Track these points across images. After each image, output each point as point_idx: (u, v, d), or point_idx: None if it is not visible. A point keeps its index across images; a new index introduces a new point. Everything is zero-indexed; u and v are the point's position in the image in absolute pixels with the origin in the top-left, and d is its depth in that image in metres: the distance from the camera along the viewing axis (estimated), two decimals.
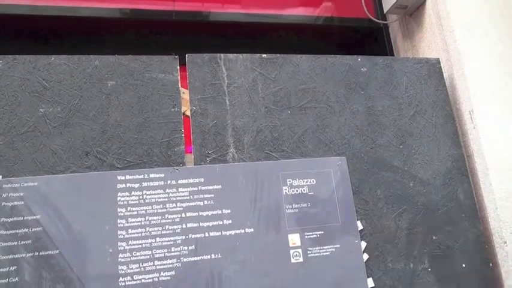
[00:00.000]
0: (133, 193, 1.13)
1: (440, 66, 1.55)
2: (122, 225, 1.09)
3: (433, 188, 1.37)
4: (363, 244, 1.24)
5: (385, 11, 1.87)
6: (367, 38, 2.06)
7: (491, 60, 1.56)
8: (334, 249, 1.19)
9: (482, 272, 1.32)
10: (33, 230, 1.05)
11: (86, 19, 1.73)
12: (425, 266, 1.28)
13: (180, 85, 1.29)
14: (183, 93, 1.30)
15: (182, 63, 1.32)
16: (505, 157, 1.45)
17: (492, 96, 1.51)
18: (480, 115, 1.47)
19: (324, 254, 1.18)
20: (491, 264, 1.34)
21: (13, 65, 1.19)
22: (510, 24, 1.63)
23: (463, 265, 1.31)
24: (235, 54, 1.36)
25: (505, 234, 1.36)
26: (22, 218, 1.05)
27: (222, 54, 1.35)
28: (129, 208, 1.11)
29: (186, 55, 1.32)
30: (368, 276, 1.20)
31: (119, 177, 1.14)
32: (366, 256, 1.23)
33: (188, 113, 1.28)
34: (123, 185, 1.13)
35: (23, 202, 1.06)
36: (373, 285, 1.20)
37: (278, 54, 1.40)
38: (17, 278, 1.00)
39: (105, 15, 1.76)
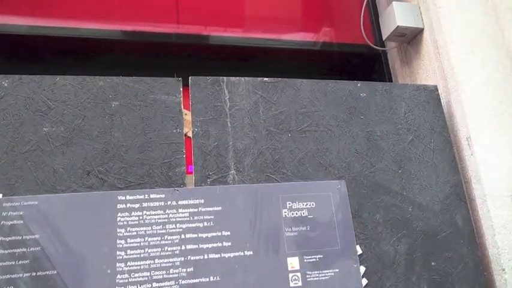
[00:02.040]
0: (133, 213, 1.13)
1: (438, 93, 1.58)
2: (121, 245, 1.09)
3: (432, 213, 1.38)
4: (362, 269, 1.23)
5: (383, 38, 1.91)
6: (366, 64, 2.10)
7: (488, 88, 1.59)
8: (333, 274, 1.19)
9: None
10: (31, 249, 1.04)
11: (88, 40, 1.76)
12: None
13: (182, 107, 1.30)
14: (185, 114, 1.32)
15: (185, 85, 1.34)
16: (502, 184, 1.46)
17: (489, 124, 1.53)
18: (477, 142, 1.50)
19: (323, 278, 1.18)
20: None
21: (18, 84, 1.20)
22: (506, 54, 1.67)
23: None
24: (237, 78, 1.39)
25: (504, 262, 1.36)
26: (21, 238, 1.05)
27: (224, 77, 1.37)
28: (128, 229, 1.11)
29: (190, 77, 1.35)
30: None
31: (119, 197, 1.14)
32: (364, 281, 1.22)
33: (190, 134, 1.29)
34: (124, 205, 1.13)
35: (22, 221, 1.06)
36: None
37: (279, 78, 1.43)
38: None
39: (107, 36, 1.78)
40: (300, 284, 1.16)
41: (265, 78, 1.42)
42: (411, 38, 1.85)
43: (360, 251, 1.25)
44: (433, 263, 1.31)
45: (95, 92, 1.25)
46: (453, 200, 1.42)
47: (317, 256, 1.20)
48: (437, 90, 1.59)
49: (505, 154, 1.50)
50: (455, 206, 1.41)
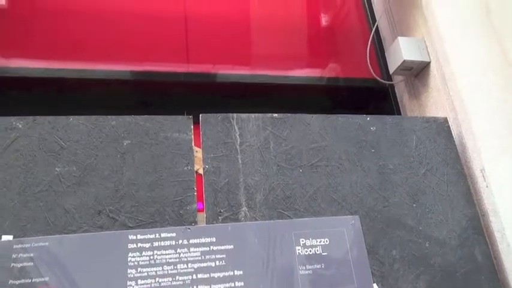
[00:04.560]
0: (144, 253, 1.11)
1: (449, 125, 1.57)
2: (131, 287, 1.06)
3: (450, 248, 1.33)
4: None
5: (390, 72, 1.93)
6: (374, 98, 2.11)
7: (499, 118, 1.58)
8: None
9: None
10: None
11: (98, 81, 1.80)
12: None
13: (193, 144, 1.31)
14: (196, 151, 1.32)
15: (195, 123, 1.35)
16: None
17: (503, 154, 1.51)
18: (492, 173, 1.47)
19: None
20: None
21: (32, 125, 1.22)
22: None
23: None
24: (247, 114, 1.40)
25: None
26: (30, 280, 1.03)
27: (234, 114, 1.39)
28: (139, 269, 1.09)
29: (200, 115, 1.36)
30: None
31: (130, 237, 1.13)
32: None
33: (201, 171, 1.29)
34: (134, 245, 1.12)
35: (32, 263, 1.05)
36: None
37: (289, 114, 1.44)
38: None
39: (118, 77, 1.82)
40: None
41: (275, 114, 1.43)
42: (418, 71, 1.87)
43: None
44: None
45: (107, 132, 1.27)
46: (471, 234, 1.38)
47: None
48: (447, 122, 1.58)
49: None
50: (473, 241, 1.37)
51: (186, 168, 1.27)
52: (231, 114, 1.39)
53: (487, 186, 1.47)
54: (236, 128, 1.38)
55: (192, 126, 1.34)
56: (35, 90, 1.77)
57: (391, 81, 2.03)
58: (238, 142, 1.35)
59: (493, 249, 1.41)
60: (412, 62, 1.81)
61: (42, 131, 1.22)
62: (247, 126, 1.39)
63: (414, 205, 1.38)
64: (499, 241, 1.41)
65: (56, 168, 1.19)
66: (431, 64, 1.79)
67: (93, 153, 1.23)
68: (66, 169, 1.19)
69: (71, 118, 1.26)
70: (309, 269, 1.18)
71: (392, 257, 1.28)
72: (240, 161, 1.32)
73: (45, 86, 1.77)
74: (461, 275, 1.30)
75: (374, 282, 1.21)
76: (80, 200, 1.16)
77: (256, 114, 1.41)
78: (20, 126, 1.21)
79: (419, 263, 1.29)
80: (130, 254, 1.10)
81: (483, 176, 1.49)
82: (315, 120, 1.45)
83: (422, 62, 1.81)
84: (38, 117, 1.24)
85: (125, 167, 1.23)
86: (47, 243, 1.07)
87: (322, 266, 1.19)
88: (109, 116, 1.29)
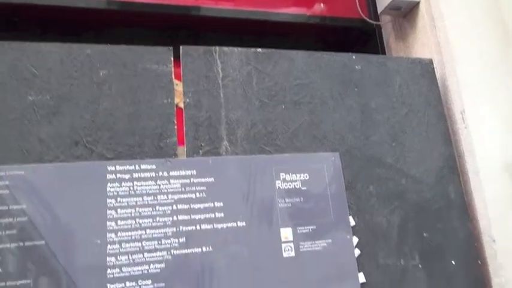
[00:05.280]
0: (123, 184, 1.10)
1: (433, 67, 1.56)
2: (111, 216, 1.07)
3: (425, 185, 1.37)
4: (355, 239, 1.23)
5: (378, 12, 1.88)
6: (360, 38, 2.06)
7: (483, 62, 1.58)
8: (326, 244, 1.19)
9: (471, 269, 1.33)
10: (18, 219, 1.01)
11: (72, 9, 1.68)
12: (416, 262, 1.28)
13: (173, 77, 1.27)
14: (177, 85, 1.28)
15: (176, 57, 1.30)
16: (495, 157, 1.46)
17: (484, 98, 1.52)
18: (472, 115, 1.49)
19: (316, 248, 1.17)
20: (480, 262, 1.34)
21: (1, 50, 1.15)
22: (502, 30, 1.65)
23: (453, 262, 1.31)
24: (230, 48, 1.35)
25: (494, 232, 1.38)
26: (7, 208, 1.02)
27: (217, 47, 1.33)
28: (118, 199, 1.09)
29: (181, 47, 1.30)
30: (359, 271, 1.20)
31: (109, 168, 1.11)
32: (357, 251, 1.22)
33: (181, 105, 1.26)
34: (113, 176, 1.10)
35: (8, 191, 1.03)
36: (364, 280, 1.19)
37: (274, 49, 1.39)
38: (0, 269, 0.97)
39: (93, 6, 1.71)
40: (293, 254, 1.15)
41: (259, 49, 1.38)
42: (407, 11, 1.82)
43: (353, 223, 1.25)
44: (425, 234, 1.32)
45: (82, 60, 1.20)
46: (446, 173, 1.42)
47: (310, 227, 1.19)
48: (432, 63, 1.57)
49: (498, 127, 1.50)
50: (448, 179, 1.41)
51: (165, 101, 1.24)
52: (213, 48, 1.34)
53: (465, 128, 1.49)
54: (218, 61, 1.33)
55: (172, 58, 1.28)
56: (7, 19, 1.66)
57: (379, 21, 1.98)
58: (221, 76, 1.32)
59: (466, 187, 1.47)
60: (402, 1, 1.75)
61: (12, 56, 1.15)
62: (230, 60, 1.34)
63: (394, 144, 1.40)
64: (472, 180, 1.45)
65: (29, 97, 1.13)
66: (421, 4, 1.74)
67: (67, 82, 1.17)
68: (39, 97, 1.14)
69: (43, 45, 1.19)
70: (288, 202, 1.20)
71: (369, 193, 1.31)
72: (221, 96, 1.29)
73: (8, 13, 1.65)
74: (434, 211, 1.35)
75: (350, 215, 1.25)
76: (56, 130, 1.12)
77: (240, 49, 1.36)
78: None
79: (394, 198, 1.33)
80: (109, 185, 1.09)
81: (463, 118, 1.50)
82: (299, 57, 1.41)
83: (411, 1, 1.76)
84: (5, 42, 1.16)
85: (102, 97, 1.19)
86: (22, 172, 1.05)
87: (301, 200, 1.21)
88: (83, 44, 1.22)
